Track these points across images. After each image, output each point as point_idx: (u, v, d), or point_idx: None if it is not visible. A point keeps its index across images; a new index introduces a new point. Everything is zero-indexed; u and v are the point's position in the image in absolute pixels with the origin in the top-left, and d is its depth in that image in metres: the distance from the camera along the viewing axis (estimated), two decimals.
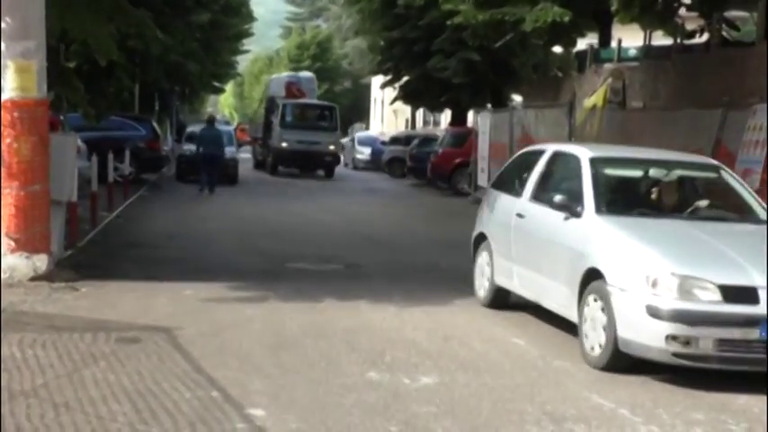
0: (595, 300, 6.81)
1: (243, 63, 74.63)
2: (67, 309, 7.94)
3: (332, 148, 31.74)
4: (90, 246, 11.90)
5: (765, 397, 5.99)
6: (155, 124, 26.78)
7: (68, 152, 10.08)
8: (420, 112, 48.34)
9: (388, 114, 56.56)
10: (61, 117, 18.01)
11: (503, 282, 8.69)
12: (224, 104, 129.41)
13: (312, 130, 31.20)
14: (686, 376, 6.46)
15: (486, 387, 6.04)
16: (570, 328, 8.05)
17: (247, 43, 49.62)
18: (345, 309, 8.56)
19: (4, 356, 6.11)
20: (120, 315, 7.80)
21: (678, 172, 8.03)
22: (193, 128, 32.95)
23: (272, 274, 10.42)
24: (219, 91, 59.86)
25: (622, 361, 6.53)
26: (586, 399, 5.89)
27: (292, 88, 35.09)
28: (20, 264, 8.86)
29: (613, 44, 26.43)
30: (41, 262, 8.94)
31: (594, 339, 6.77)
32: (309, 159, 31.32)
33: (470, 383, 6.11)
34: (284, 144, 30.91)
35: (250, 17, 43.80)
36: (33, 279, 8.83)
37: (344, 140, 42.86)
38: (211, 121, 25.62)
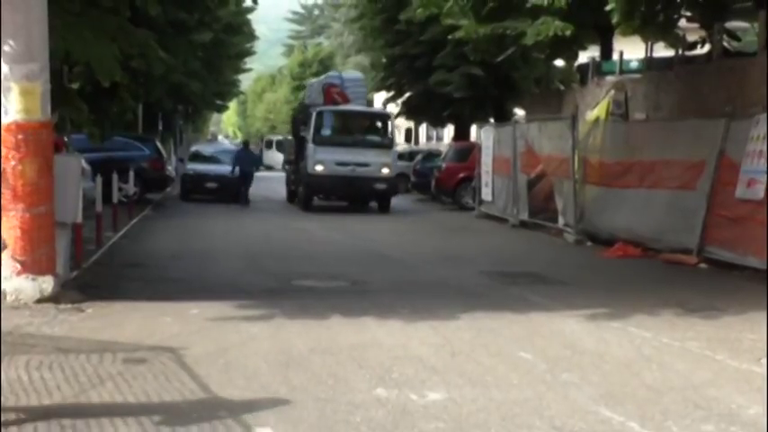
0: None
1: (245, 82, 74.89)
2: (73, 330, 7.93)
3: (386, 171, 24.07)
4: (95, 266, 11.91)
5: (766, 402, 5.97)
6: (158, 144, 26.88)
7: (73, 173, 10.09)
8: (423, 127, 48.35)
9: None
10: (65, 138, 18.05)
11: None
12: (227, 123, 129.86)
13: (358, 148, 23.90)
14: (696, 388, 6.44)
15: (493, 402, 6.02)
16: (577, 340, 8.04)
17: (249, 62, 49.83)
18: (352, 325, 8.54)
19: (10, 379, 6.11)
20: (127, 335, 7.79)
21: None
22: (198, 147, 33.21)
23: (278, 292, 10.41)
24: (222, 109, 60.08)
25: None
26: (595, 412, 5.86)
27: (332, 92, 25.90)
28: (26, 286, 8.86)
29: (615, 56, 26.49)
30: (47, 284, 8.95)
31: None
32: (355, 188, 24.06)
33: (478, 398, 6.09)
34: (319, 167, 23.53)
35: (252, 36, 43.99)
36: (39, 301, 8.83)
37: None
38: (246, 143, 31.00)
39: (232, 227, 19.00)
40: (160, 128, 36.15)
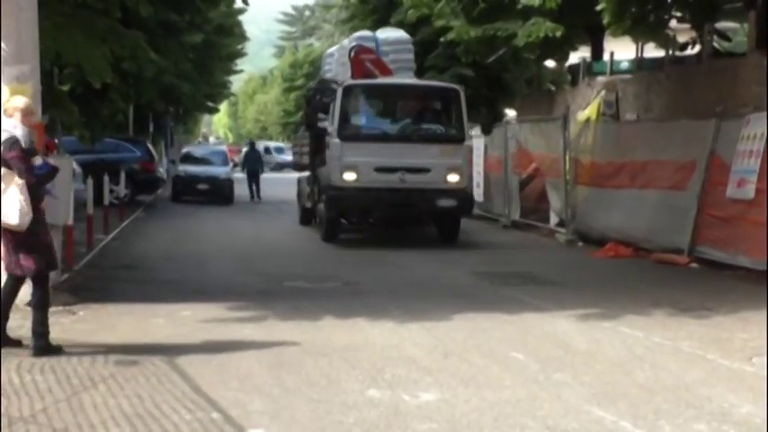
0: None
1: (236, 83, 74.75)
2: (65, 332, 7.91)
3: (455, 179, 15.52)
4: (87, 269, 11.88)
5: (766, 404, 5.98)
6: (149, 146, 26.84)
7: (64, 176, 10.04)
8: None
9: None
10: (56, 140, 18.02)
11: None
12: (218, 125, 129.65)
13: (410, 144, 15.54)
14: (688, 387, 6.46)
15: (486, 402, 6.02)
16: (569, 340, 8.06)
17: (240, 63, 49.72)
18: (344, 326, 8.54)
19: (2, 382, 6.09)
20: (119, 338, 7.78)
21: None
22: (189, 148, 33.35)
23: (270, 293, 10.40)
24: (213, 111, 59.94)
25: None
26: (588, 412, 5.87)
27: (363, 59, 17.06)
28: None
29: (606, 57, 26.53)
30: None
31: None
32: (406, 207, 15.72)
33: (471, 399, 6.09)
34: (349, 176, 15.26)
35: (243, 37, 43.88)
36: (30, 303, 8.78)
37: None
38: (253, 144, 33.37)
39: (224, 228, 18.97)
40: (151, 129, 36.06)
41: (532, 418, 5.70)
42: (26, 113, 7.09)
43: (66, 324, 8.31)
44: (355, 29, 33.54)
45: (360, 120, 16.16)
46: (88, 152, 20.73)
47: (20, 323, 8.08)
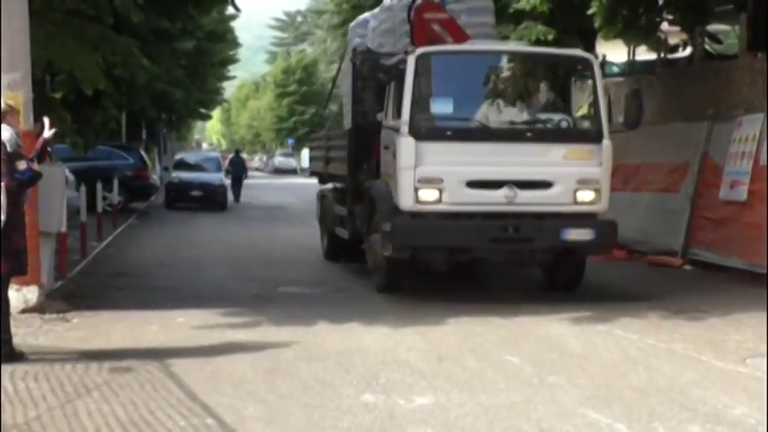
0: None
1: (229, 89, 74.82)
2: (59, 340, 7.90)
3: (588, 197, 10.41)
4: (80, 276, 11.86)
5: (765, 406, 5.99)
6: (143, 153, 26.80)
7: (57, 183, 10.06)
8: None
9: None
10: (48, 148, 17.97)
11: None
12: (211, 131, 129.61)
13: (522, 144, 10.45)
14: (682, 389, 6.47)
15: (481, 406, 6.02)
16: (564, 343, 8.06)
17: (233, 69, 49.67)
18: (338, 331, 8.53)
19: None
20: (113, 345, 7.77)
21: None
22: (183, 155, 33.51)
23: (264, 299, 10.40)
24: (206, 117, 59.96)
25: None
26: (582, 414, 5.87)
27: (429, 20, 11.73)
28: (10, 296, 8.77)
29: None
30: (32, 294, 8.90)
31: None
32: (516, 242, 10.30)
33: (466, 403, 6.09)
34: (428, 194, 10.12)
35: (235, 43, 43.88)
36: (24, 311, 8.79)
37: None
38: (238, 151, 36.28)
39: (218, 235, 18.95)
40: (144, 136, 36.03)
41: (527, 421, 5.71)
42: (11, 114, 7.15)
43: (60, 331, 8.29)
44: (347, 35, 33.59)
45: (443, 107, 10.47)
46: (81, 159, 20.66)
47: (13, 331, 8.04)
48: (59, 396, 6.05)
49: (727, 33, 24.28)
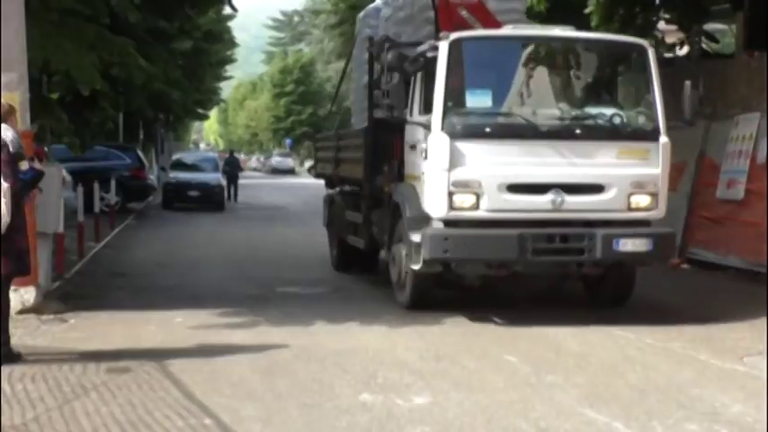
0: None
1: (226, 89, 74.78)
2: (56, 341, 7.89)
3: (645, 201, 9.28)
4: (78, 276, 11.85)
5: (763, 404, 6.00)
6: (140, 153, 26.79)
7: (54, 184, 10.05)
8: None
9: None
10: (45, 148, 17.98)
11: None
12: (209, 131, 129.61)
13: (569, 142, 9.13)
14: (680, 388, 6.48)
15: (479, 405, 6.02)
16: (561, 342, 8.07)
17: (230, 69, 49.74)
18: (336, 331, 8.53)
19: None
20: (110, 345, 7.76)
21: None
22: (180, 155, 33.66)
23: (262, 299, 10.39)
24: (204, 118, 59.98)
25: None
26: (580, 414, 5.88)
27: (456, 6, 10.41)
28: None
29: None
30: (29, 294, 8.89)
31: None
32: (564, 253, 9.13)
33: (464, 402, 6.09)
34: (463, 199, 8.94)
35: (232, 43, 43.91)
36: (21, 312, 8.78)
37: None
38: (232, 152, 38.22)
39: (215, 235, 18.95)
40: (141, 137, 36.01)
41: (525, 420, 5.71)
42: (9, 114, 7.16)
43: (57, 332, 8.29)
44: (344, 34, 33.63)
45: (480, 101, 9.29)
46: (78, 160, 20.66)
47: (10, 332, 8.07)
48: (57, 397, 6.05)
49: (723, 32, 24.30)
